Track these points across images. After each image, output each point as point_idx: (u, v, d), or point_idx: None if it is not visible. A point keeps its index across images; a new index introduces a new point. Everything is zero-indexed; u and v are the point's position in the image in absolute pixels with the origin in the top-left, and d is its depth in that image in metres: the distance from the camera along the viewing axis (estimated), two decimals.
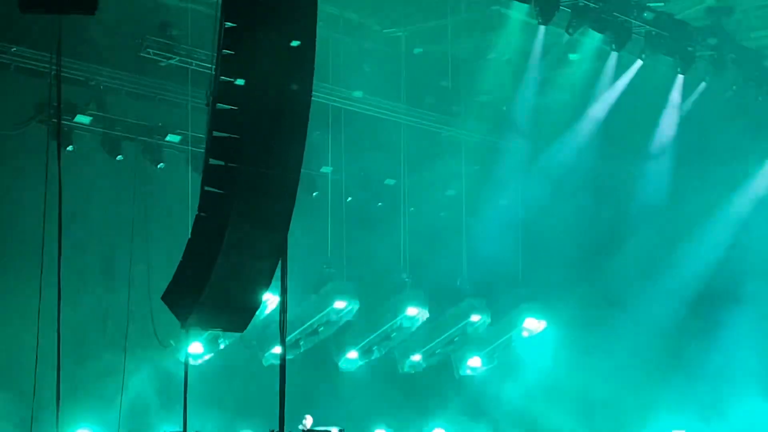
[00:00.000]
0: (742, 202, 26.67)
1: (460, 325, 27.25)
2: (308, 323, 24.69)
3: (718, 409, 25.31)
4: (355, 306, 24.93)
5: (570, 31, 22.03)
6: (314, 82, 14.33)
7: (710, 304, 26.30)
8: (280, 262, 15.32)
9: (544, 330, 27.89)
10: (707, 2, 23.20)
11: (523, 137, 26.83)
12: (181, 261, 14.87)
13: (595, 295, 26.52)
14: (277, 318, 16.18)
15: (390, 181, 26.54)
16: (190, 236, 14.78)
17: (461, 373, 28.03)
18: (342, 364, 26.08)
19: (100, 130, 22.34)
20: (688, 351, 26.00)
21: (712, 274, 26.44)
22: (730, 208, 26.66)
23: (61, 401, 13.67)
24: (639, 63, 23.91)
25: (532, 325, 27.93)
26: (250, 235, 14.76)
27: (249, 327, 16.60)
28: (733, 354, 25.36)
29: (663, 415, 26.24)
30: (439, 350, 27.53)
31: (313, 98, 14.46)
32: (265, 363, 24.23)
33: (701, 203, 26.53)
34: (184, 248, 14.80)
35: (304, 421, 22.78)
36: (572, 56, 24.31)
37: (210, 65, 14.80)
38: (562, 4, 21.31)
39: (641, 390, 26.23)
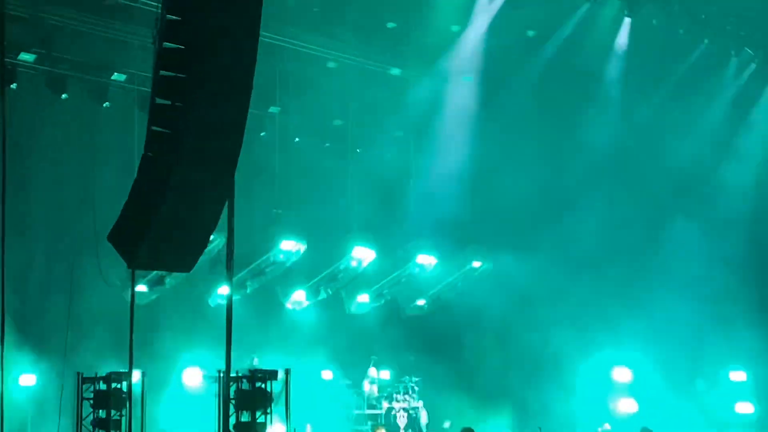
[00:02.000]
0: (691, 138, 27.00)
1: (407, 266, 27.41)
2: (255, 263, 24.72)
3: (659, 343, 25.67)
4: (302, 247, 24.97)
5: None
6: (262, 21, 14.20)
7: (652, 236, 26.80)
8: (227, 202, 15.32)
9: (489, 271, 28.16)
10: None
11: (472, 79, 26.80)
12: (127, 201, 14.78)
13: (542, 237, 26.70)
14: (224, 258, 16.19)
15: (337, 122, 26.48)
16: (136, 176, 14.69)
17: (407, 312, 28.25)
18: (289, 305, 26.16)
19: (45, 68, 22.04)
20: (632, 287, 26.37)
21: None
22: (682, 141, 26.96)
23: (5, 344, 13.63)
24: (586, 7, 23.94)
25: (478, 265, 28.20)
26: (196, 175, 14.69)
27: (195, 267, 16.62)
28: (677, 281, 25.71)
29: (605, 350, 26.66)
30: (386, 291, 27.69)
31: (260, 38, 14.34)
32: (212, 303, 24.26)
33: (651, 142, 26.79)
34: (130, 188, 14.71)
35: (254, 362, 22.90)
36: None
37: (156, 3, 14.62)
38: None
39: (585, 329, 26.54)
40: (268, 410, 16.52)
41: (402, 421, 26.87)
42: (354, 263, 26.39)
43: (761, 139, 27.29)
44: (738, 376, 26.53)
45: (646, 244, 27.08)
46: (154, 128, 14.32)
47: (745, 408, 26.28)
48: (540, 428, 19.89)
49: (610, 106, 26.44)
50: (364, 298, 27.33)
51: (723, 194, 26.88)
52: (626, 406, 26.67)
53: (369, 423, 26.06)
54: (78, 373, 17.82)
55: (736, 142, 27.45)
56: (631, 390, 27.03)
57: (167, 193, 14.41)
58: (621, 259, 26.84)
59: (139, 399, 17.68)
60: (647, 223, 27.06)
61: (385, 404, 27.26)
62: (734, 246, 26.51)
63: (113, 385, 17.36)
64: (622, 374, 27.23)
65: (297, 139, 25.84)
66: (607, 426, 24.47)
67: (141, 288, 22.84)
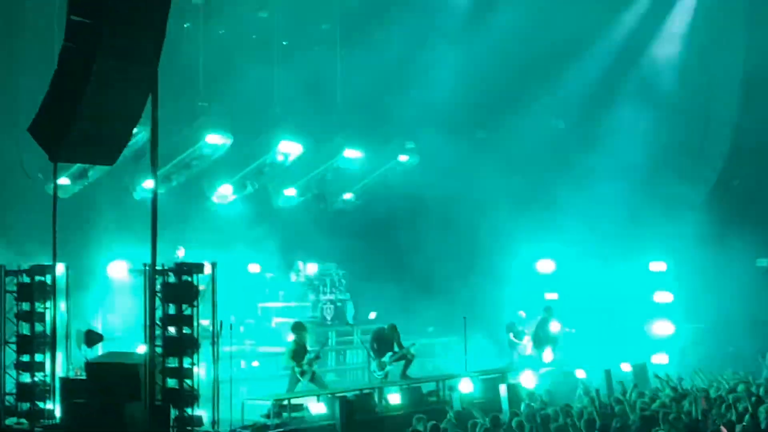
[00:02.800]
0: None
1: (334, 160, 27.40)
2: (180, 157, 24.55)
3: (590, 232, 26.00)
4: (228, 140, 24.82)
5: None
6: None
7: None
8: (150, 94, 15.16)
9: (417, 164, 28.28)
10: None
11: None
12: (47, 92, 14.58)
13: (465, 129, 26.76)
14: (149, 151, 16.07)
15: (263, 14, 26.09)
16: (56, 67, 14.46)
17: (334, 206, 28.32)
18: (215, 198, 26.08)
19: None
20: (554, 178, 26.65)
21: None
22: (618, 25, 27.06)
23: None
24: None
25: (405, 159, 28.30)
26: (119, 66, 14.52)
27: (119, 160, 16.48)
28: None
29: (535, 242, 27.01)
30: (313, 184, 27.70)
31: None
32: (136, 197, 24.10)
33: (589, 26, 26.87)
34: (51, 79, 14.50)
35: (177, 253, 22.89)
36: None
37: None
38: None
39: (518, 221, 26.86)
40: (195, 303, 16.54)
41: (329, 313, 27.11)
42: (280, 157, 26.31)
43: (698, 22, 27.31)
44: (658, 265, 27.00)
45: (584, 133, 27.29)
46: (73, 18, 14.07)
47: (663, 297, 26.81)
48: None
49: None
50: (290, 191, 27.33)
51: (661, 79, 27.05)
52: (550, 296, 27.11)
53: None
54: (1, 266, 17.68)
55: (670, 24, 27.49)
56: (555, 280, 27.47)
57: (89, 85, 14.23)
58: (560, 148, 27.07)
59: (64, 292, 17.60)
60: (585, 111, 27.18)
61: (312, 297, 27.48)
62: (669, 132, 26.78)
63: (37, 278, 17.26)
64: (545, 265, 27.65)
65: (222, 31, 25.46)
66: (522, 313, 24.83)
67: (64, 181, 22.61)
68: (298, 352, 19.69)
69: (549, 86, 26.95)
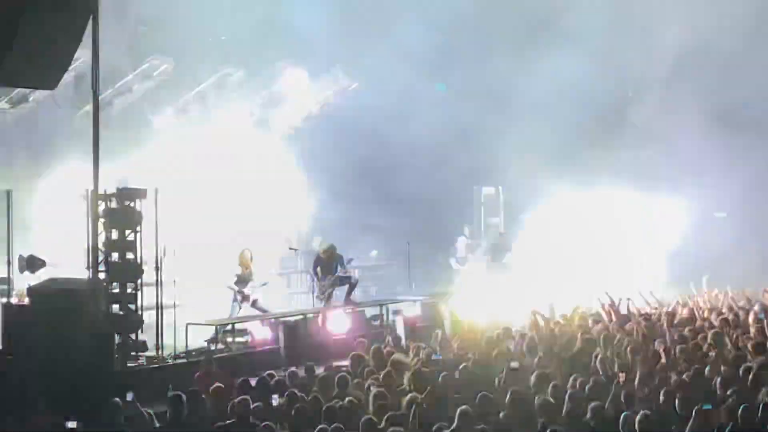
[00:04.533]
0: None
1: (276, 84, 27.26)
2: (122, 81, 24.31)
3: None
4: (170, 64, 24.59)
5: None
6: None
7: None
8: (90, 17, 14.97)
9: (362, 88, 28.19)
10: None
11: None
12: None
13: (409, 56, 26.72)
14: (90, 75, 15.90)
15: None
16: None
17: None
18: (157, 123, 25.87)
19: None
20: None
21: None
22: None
23: None
24: None
25: (348, 84, 28.20)
26: None
27: (60, 84, 16.28)
28: None
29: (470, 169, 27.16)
30: (256, 110, 27.54)
31: None
32: (78, 121, 23.83)
33: None
34: None
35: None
36: None
37: None
38: None
39: (452, 143, 26.92)
40: (138, 228, 16.49)
41: None
42: (223, 81, 26.14)
43: None
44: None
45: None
46: None
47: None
48: None
49: None
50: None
51: None
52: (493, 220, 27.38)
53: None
54: None
55: None
56: (498, 204, 27.70)
57: (28, 5, 14.01)
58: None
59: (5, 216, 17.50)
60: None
61: None
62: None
63: None
64: (489, 190, 27.89)
65: None
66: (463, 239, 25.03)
67: (3, 105, 22.35)
68: (241, 278, 19.76)
69: None
